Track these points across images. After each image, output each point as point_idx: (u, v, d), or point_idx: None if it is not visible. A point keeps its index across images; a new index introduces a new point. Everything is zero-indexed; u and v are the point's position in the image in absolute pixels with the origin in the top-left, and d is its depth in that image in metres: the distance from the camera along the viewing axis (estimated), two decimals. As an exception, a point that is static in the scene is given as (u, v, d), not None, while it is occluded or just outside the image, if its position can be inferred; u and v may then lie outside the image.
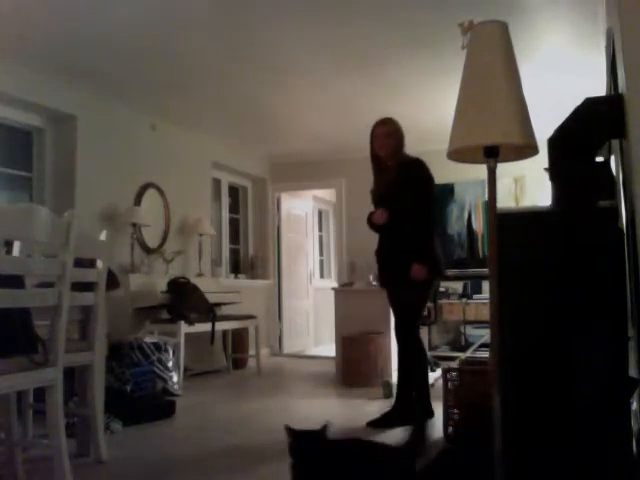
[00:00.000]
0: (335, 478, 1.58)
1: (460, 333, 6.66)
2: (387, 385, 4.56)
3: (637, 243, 1.89)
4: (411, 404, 3.71)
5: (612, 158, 2.75)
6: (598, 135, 2.32)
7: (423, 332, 3.95)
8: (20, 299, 2.15)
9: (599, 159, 2.53)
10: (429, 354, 4.79)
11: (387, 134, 3.69)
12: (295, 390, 5.08)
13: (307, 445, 1.67)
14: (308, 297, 8.44)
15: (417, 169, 3.69)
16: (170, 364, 4.54)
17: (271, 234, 7.82)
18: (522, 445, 2.17)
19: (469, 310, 6.51)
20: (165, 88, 5.08)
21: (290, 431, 1.71)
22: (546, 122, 3.58)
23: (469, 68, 1.79)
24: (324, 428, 1.71)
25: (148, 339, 4.50)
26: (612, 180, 2.40)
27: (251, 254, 7.71)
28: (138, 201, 5.53)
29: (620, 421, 2.12)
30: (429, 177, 3.70)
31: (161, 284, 5.34)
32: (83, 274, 2.63)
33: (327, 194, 8.98)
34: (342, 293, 5.77)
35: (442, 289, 6.34)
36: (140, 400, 4.01)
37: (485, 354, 3.73)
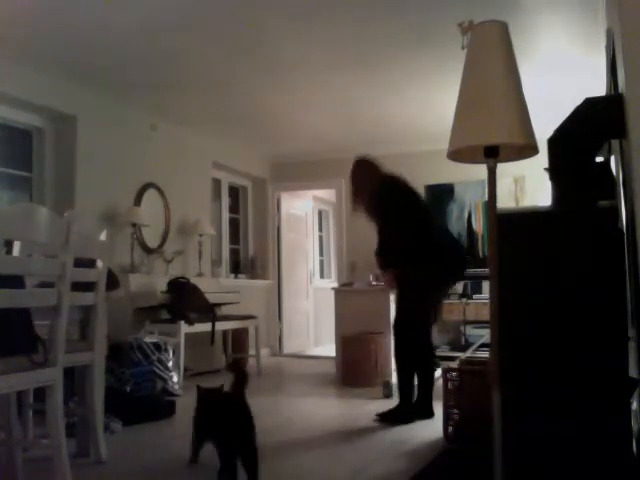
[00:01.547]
0: (216, 418, 2.53)
1: (460, 333, 6.66)
2: (387, 385, 4.56)
3: (637, 243, 1.89)
4: (412, 400, 3.77)
5: (612, 158, 2.75)
6: (598, 135, 2.33)
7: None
8: (20, 299, 2.15)
9: (599, 159, 2.53)
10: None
11: (352, 188, 3.90)
12: (295, 390, 5.07)
13: (207, 397, 2.62)
14: (308, 297, 8.43)
15: (378, 194, 3.79)
16: (170, 364, 4.54)
17: (271, 234, 7.81)
18: (522, 445, 2.17)
19: (469, 310, 6.51)
20: (165, 88, 5.08)
21: (198, 388, 2.63)
22: (546, 122, 3.58)
23: (469, 68, 1.79)
24: (221, 386, 2.61)
25: (148, 339, 4.49)
26: (612, 180, 2.40)
27: (251, 254, 7.71)
28: (138, 201, 5.53)
29: (620, 421, 2.12)
30: (385, 196, 3.76)
31: (161, 284, 5.34)
32: (83, 274, 2.63)
33: (327, 194, 8.98)
34: (342, 293, 5.77)
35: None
36: (140, 400, 4.01)
37: (485, 354, 3.73)
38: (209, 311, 5.36)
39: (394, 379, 4.83)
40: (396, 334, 3.80)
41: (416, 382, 3.80)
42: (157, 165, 5.82)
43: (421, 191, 7.06)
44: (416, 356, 3.77)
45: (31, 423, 2.88)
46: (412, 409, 3.73)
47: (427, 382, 3.84)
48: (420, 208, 3.86)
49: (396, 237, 3.73)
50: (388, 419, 3.66)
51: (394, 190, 3.79)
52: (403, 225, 3.72)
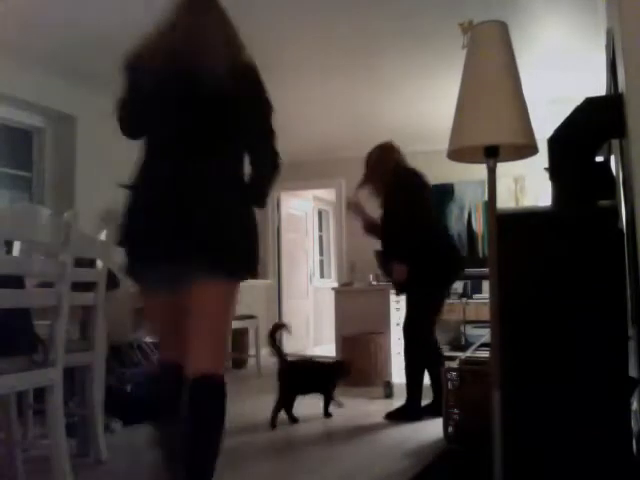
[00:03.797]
0: None
1: (460, 333, 6.66)
2: (388, 385, 4.55)
3: (637, 243, 1.89)
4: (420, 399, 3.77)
5: (612, 158, 2.76)
6: (598, 135, 2.33)
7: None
8: (20, 299, 2.15)
9: (599, 159, 2.54)
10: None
11: (365, 169, 3.94)
12: (295, 390, 5.06)
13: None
14: (308, 297, 8.43)
15: (390, 186, 3.79)
16: (170, 364, 4.53)
17: (271, 234, 7.81)
18: (522, 446, 2.17)
19: (469, 310, 6.50)
20: (165, 88, 5.08)
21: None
22: (546, 122, 3.57)
23: (469, 68, 1.79)
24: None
25: (148, 339, 4.49)
26: (612, 180, 2.40)
27: (251, 254, 7.69)
28: (138, 201, 5.52)
29: (620, 421, 2.12)
30: (395, 191, 3.76)
31: (161, 284, 5.33)
32: (83, 274, 2.63)
33: (327, 194, 8.97)
34: (342, 293, 5.77)
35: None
36: (140, 400, 4.00)
37: (485, 354, 3.73)
38: (209, 311, 5.34)
39: (394, 379, 4.84)
40: (407, 334, 3.77)
41: (428, 382, 3.78)
42: (157, 165, 5.81)
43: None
44: (428, 356, 3.78)
45: (31, 423, 2.88)
46: (420, 407, 3.74)
47: (439, 381, 3.84)
48: (424, 210, 3.84)
49: (399, 233, 3.72)
50: (396, 417, 3.69)
51: (405, 186, 3.77)
52: (407, 223, 3.70)
